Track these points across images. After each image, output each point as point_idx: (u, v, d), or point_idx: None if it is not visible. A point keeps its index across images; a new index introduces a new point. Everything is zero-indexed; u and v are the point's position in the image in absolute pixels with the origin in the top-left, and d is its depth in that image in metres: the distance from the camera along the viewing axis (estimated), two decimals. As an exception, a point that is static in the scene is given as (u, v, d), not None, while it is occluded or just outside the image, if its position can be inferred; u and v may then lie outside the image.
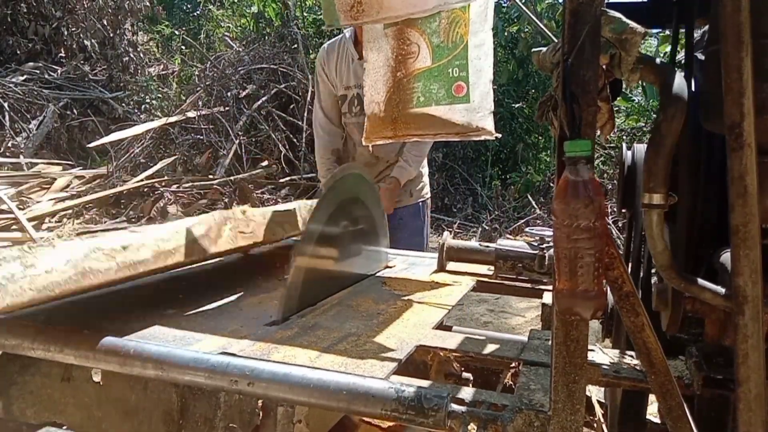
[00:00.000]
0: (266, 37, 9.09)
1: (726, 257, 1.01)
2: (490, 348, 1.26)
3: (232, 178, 7.00)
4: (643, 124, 7.91)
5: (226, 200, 6.64)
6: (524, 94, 8.73)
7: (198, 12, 12.37)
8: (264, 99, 7.92)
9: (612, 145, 7.71)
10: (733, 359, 0.88)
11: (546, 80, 7.84)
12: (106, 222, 6.02)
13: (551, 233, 1.81)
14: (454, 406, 0.95)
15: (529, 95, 8.69)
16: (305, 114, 7.70)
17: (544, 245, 1.82)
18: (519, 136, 8.71)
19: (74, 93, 8.92)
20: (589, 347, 1.08)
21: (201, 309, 1.41)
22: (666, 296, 1.16)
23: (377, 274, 1.88)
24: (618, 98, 1.04)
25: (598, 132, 0.94)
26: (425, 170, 2.88)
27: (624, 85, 1.03)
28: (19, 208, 5.66)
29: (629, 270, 1.43)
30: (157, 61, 10.90)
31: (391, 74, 2.00)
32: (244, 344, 1.18)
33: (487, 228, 6.99)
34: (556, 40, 0.97)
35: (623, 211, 1.61)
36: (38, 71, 8.99)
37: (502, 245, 1.87)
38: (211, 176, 7.18)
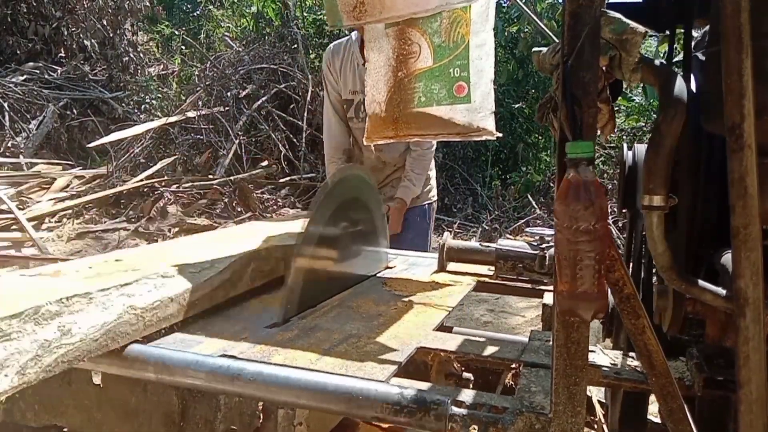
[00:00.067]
0: (266, 37, 9.08)
1: (727, 258, 1.01)
2: (491, 350, 1.25)
3: (232, 178, 7.00)
4: (644, 124, 7.90)
5: (226, 200, 6.64)
6: (524, 94, 8.72)
7: (198, 12, 12.36)
8: (264, 99, 7.91)
9: (612, 145, 7.71)
10: (734, 361, 0.88)
11: (546, 80, 7.83)
12: (106, 222, 6.02)
13: (551, 233, 1.81)
14: (455, 409, 0.95)
15: (529, 95, 8.68)
16: (305, 114, 7.69)
17: (545, 245, 1.82)
18: (519, 136, 8.71)
19: (74, 93, 8.91)
20: (590, 348, 1.08)
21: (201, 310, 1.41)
22: (667, 297, 1.16)
23: (378, 275, 1.88)
24: (618, 99, 1.04)
25: (599, 133, 0.94)
26: (432, 173, 2.88)
27: (624, 86, 1.02)
28: (19, 208, 5.65)
29: (630, 271, 1.43)
30: (157, 61, 10.89)
31: (393, 74, 2.00)
32: (245, 346, 1.18)
33: (487, 228, 6.98)
34: (556, 40, 0.96)
35: (624, 211, 1.60)
36: (38, 71, 8.98)
37: (502, 245, 1.87)
38: (211, 176, 7.17)
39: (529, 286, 1.85)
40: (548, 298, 1.68)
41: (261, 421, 1.16)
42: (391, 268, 1.99)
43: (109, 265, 1.39)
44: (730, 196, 0.85)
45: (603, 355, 1.26)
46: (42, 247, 5.07)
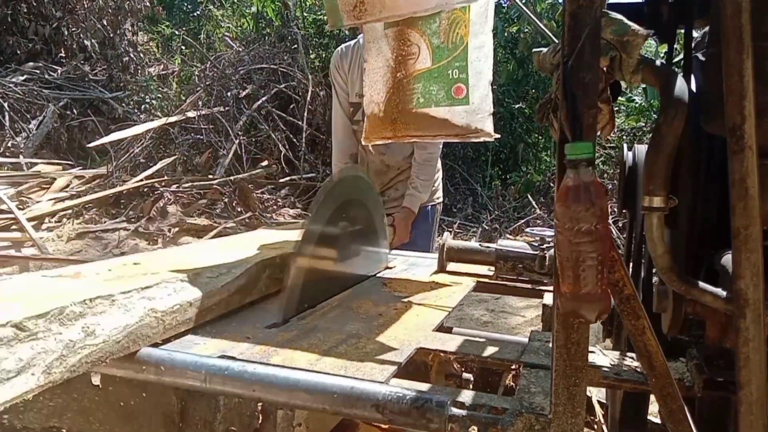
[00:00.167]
0: (266, 37, 9.08)
1: (727, 260, 1.01)
2: (491, 350, 1.25)
3: (232, 178, 7.00)
4: (644, 124, 7.91)
5: (226, 200, 6.64)
6: (524, 94, 8.73)
7: (198, 12, 12.36)
8: (264, 99, 7.91)
9: (612, 145, 7.71)
10: (734, 362, 0.87)
11: (546, 80, 7.83)
12: (106, 222, 6.01)
13: (551, 233, 1.81)
14: (455, 410, 0.94)
15: (529, 95, 8.68)
16: (305, 114, 7.69)
17: (545, 245, 1.82)
18: (519, 136, 8.71)
19: (74, 93, 8.91)
20: (590, 349, 1.08)
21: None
22: (667, 298, 1.16)
23: (377, 275, 1.88)
24: (618, 99, 1.03)
25: (599, 133, 0.94)
26: (439, 174, 2.88)
27: (624, 86, 1.02)
28: (19, 208, 5.65)
29: (630, 271, 1.43)
30: (157, 61, 10.89)
31: (391, 75, 2.00)
32: (244, 347, 1.18)
33: (487, 228, 6.98)
34: (556, 41, 0.96)
35: (624, 211, 1.60)
36: (38, 71, 8.98)
37: (502, 245, 1.87)
38: (211, 176, 7.17)
39: (529, 286, 1.85)
40: (548, 299, 1.68)
41: (260, 421, 1.16)
42: (390, 268, 1.99)
43: (128, 268, 1.41)
44: (731, 197, 0.85)
45: (603, 356, 1.26)
46: (42, 247, 5.07)
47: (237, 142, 7.57)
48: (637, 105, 8.14)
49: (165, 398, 1.13)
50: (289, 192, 7.48)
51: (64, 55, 9.57)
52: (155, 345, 1.14)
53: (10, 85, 8.34)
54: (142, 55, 10.36)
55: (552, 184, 7.32)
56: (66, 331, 0.99)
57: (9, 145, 7.69)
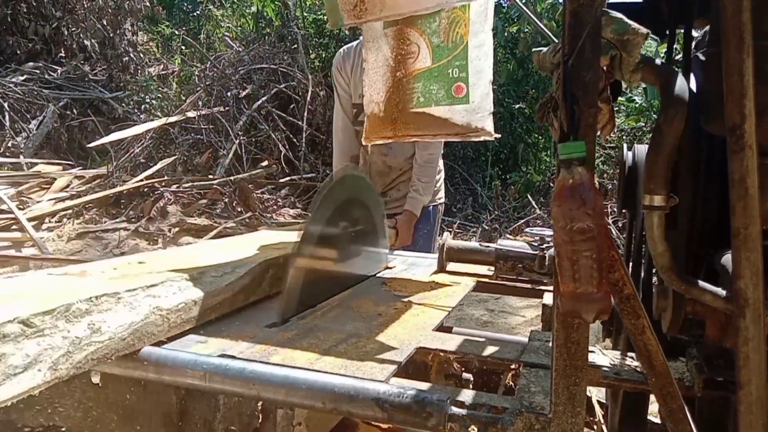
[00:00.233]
0: (266, 37, 9.09)
1: (727, 259, 1.01)
2: (491, 350, 1.25)
3: (232, 178, 7.00)
4: (644, 124, 7.91)
5: (226, 200, 6.63)
6: (524, 94, 8.73)
7: (198, 12, 12.36)
8: (264, 99, 7.91)
9: (612, 145, 7.71)
10: (733, 361, 0.87)
11: (546, 80, 7.84)
12: (106, 222, 6.01)
13: (551, 233, 1.80)
14: (455, 409, 0.94)
15: (529, 95, 8.68)
16: (305, 114, 7.69)
17: (544, 245, 1.82)
18: (519, 136, 8.71)
19: (74, 93, 8.91)
20: (590, 349, 1.08)
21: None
22: (667, 298, 1.16)
23: (377, 275, 1.88)
24: (618, 99, 1.03)
25: (599, 132, 0.94)
26: (440, 175, 2.88)
27: (624, 86, 1.02)
28: (19, 208, 5.65)
29: (629, 271, 1.43)
30: (157, 61, 10.89)
31: (391, 74, 2.00)
32: (244, 346, 1.18)
33: (487, 228, 6.98)
34: (556, 40, 0.96)
35: (624, 211, 1.60)
36: (38, 71, 8.97)
37: (502, 245, 1.87)
38: (211, 176, 7.17)
39: (528, 286, 1.85)
40: (548, 299, 1.68)
41: (260, 421, 1.16)
42: (390, 268, 1.99)
43: (132, 266, 1.42)
44: (731, 197, 0.85)
45: (603, 356, 1.26)
46: (42, 247, 5.07)
47: (237, 142, 7.58)
48: (637, 105, 8.14)
49: (165, 397, 1.13)
50: (289, 192, 7.48)
51: (64, 55, 9.57)
52: (155, 344, 1.14)
53: (10, 85, 8.34)
54: (142, 55, 10.37)
55: (552, 185, 7.32)
56: (72, 328, 1.00)
57: (9, 145, 7.69)
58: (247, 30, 10.13)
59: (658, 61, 0.98)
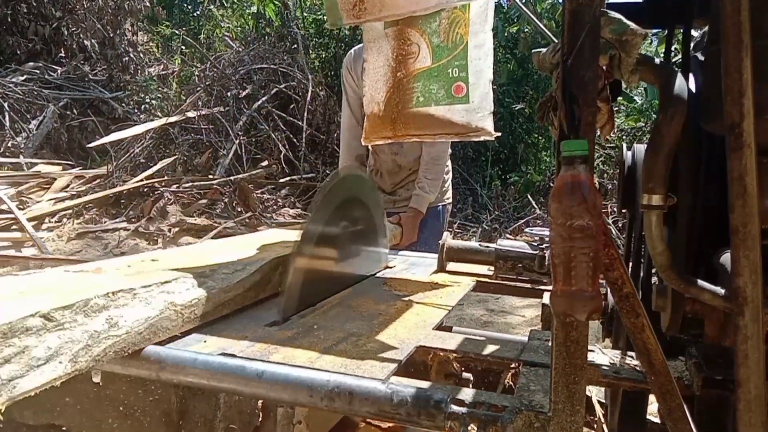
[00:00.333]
0: (266, 37, 9.09)
1: (726, 258, 1.01)
2: (490, 349, 1.25)
3: (232, 178, 7.00)
4: (643, 124, 7.91)
5: (226, 200, 6.64)
6: (524, 94, 8.74)
7: (198, 12, 12.37)
8: (264, 99, 7.92)
9: (612, 145, 7.72)
10: (733, 360, 0.88)
11: (546, 80, 7.84)
12: (106, 222, 6.01)
13: (551, 233, 1.80)
14: (454, 407, 0.95)
15: (529, 95, 8.69)
16: (305, 114, 7.70)
17: (544, 245, 1.82)
18: (519, 136, 8.72)
19: (74, 93, 8.91)
20: (589, 348, 1.08)
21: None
22: (666, 297, 1.16)
23: (377, 275, 1.88)
24: (618, 98, 1.04)
25: (598, 132, 0.94)
26: (449, 176, 2.88)
27: (624, 86, 1.03)
28: (19, 208, 5.65)
29: (629, 270, 1.43)
30: (157, 61, 10.89)
31: (391, 74, 2.00)
32: (244, 345, 1.18)
33: (487, 228, 6.99)
34: (556, 41, 0.97)
35: (623, 211, 1.61)
36: (38, 71, 8.98)
37: (502, 245, 1.87)
38: (211, 176, 7.17)
39: (528, 286, 1.85)
40: (547, 298, 1.68)
41: (260, 419, 1.16)
42: (390, 267, 1.99)
43: (146, 264, 1.46)
44: (730, 195, 0.85)
45: (602, 355, 1.26)
46: (42, 247, 5.07)
47: (237, 142, 7.58)
48: (637, 105, 8.14)
49: (165, 396, 1.13)
50: (289, 192, 7.48)
51: (64, 55, 9.57)
52: (156, 343, 1.14)
53: (10, 85, 8.34)
54: (142, 55, 10.37)
55: (552, 185, 7.32)
56: (91, 322, 1.02)
57: (9, 145, 7.69)
58: (247, 30, 10.14)
59: (657, 61, 0.99)
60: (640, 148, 1.38)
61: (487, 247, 1.92)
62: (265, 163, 7.75)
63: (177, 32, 11.22)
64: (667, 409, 0.94)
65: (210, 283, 1.33)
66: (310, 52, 8.96)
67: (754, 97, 0.83)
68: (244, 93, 8.00)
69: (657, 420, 1.58)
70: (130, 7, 9.72)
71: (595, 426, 1.90)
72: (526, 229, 2.06)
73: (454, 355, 1.26)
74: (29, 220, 5.47)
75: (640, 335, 0.92)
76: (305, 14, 9.48)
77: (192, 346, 1.16)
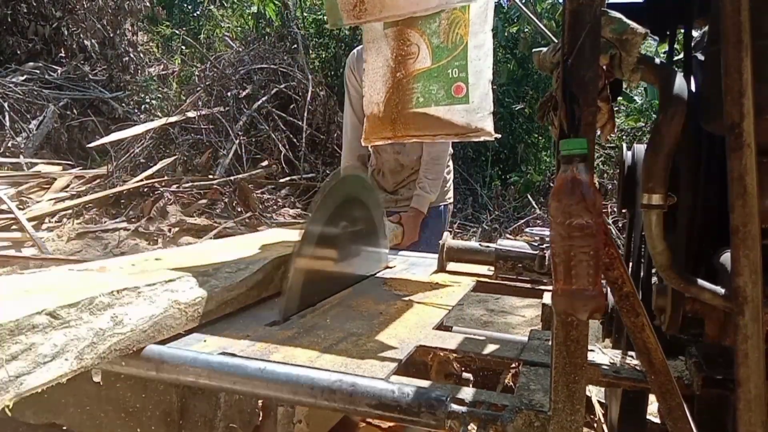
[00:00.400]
0: (266, 37, 9.09)
1: (726, 257, 1.01)
2: (490, 348, 1.25)
3: (232, 178, 7.00)
4: (643, 124, 7.91)
5: (226, 200, 6.64)
6: (524, 94, 8.74)
7: (198, 12, 12.37)
8: (264, 99, 7.92)
9: (612, 145, 7.72)
10: (732, 359, 0.88)
11: (546, 80, 7.85)
12: (106, 222, 6.02)
13: (551, 233, 1.80)
14: (454, 406, 0.95)
15: (529, 95, 8.70)
16: (305, 114, 7.70)
17: (544, 245, 1.82)
18: (519, 136, 8.73)
19: (74, 93, 8.91)
20: (589, 347, 1.08)
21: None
22: (666, 296, 1.16)
23: (377, 275, 1.88)
24: (618, 98, 1.04)
25: (598, 132, 0.94)
26: (450, 176, 2.89)
27: (624, 86, 1.03)
28: (19, 208, 5.65)
29: (629, 270, 1.44)
30: (157, 61, 10.89)
31: (391, 75, 2.00)
32: (244, 344, 1.18)
33: (487, 228, 6.99)
34: (556, 41, 0.97)
35: (623, 211, 1.61)
36: (38, 71, 8.98)
37: (502, 245, 1.87)
38: (211, 176, 7.17)
39: (528, 286, 1.85)
40: (548, 298, 1.68)
41: (261, 418, 1.16)
42: (390, 267, 1.99)
43: (150, 263, 1.46)
44: (730, 195, 0.85)
45: (602, 354, 1.26)
46: (42, 247, 5.07)
47: (237, 142, 7.58)
48: (637, 105, 8.15)
49: (165, 395, 1.13)
50: (289, 192, 7.48)
51: (64, 55, 9.57)
52: (157, 342, 1.15)
53: (10, 85, 8.34)
54: (142, 55, 10.37)
55: (552, 184, 7.33)
56: (96, 320, 1.03)
57: (9, 145, 7.69)
58: (247, 30, 10.14)
59: (657, 61, 0.99)
60: (640, 148, 1.38)
61: (487, 247, 1.92)
62: (265, 163, 7.75)
63: (177, 32, 11.22)
64: (667, 408, 0.95)
65: (213, 282, 1.34)
66: (310, 52, 8.96)
67: (754, 97, 0.83)
68: (244, 93, 8.00)
69: (657, 420, 1.58)
70: (130, 7, 9.72)
71: (595, 426, 1.90)
72: (526, 229, 2.06)
73: (454, 354, 1.26)
74: (29, 220, 5.48)
75: (640, 334, 0.92)
76: (305, 14, 9.49)
77: (192, 345, 1.17)
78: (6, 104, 8.00)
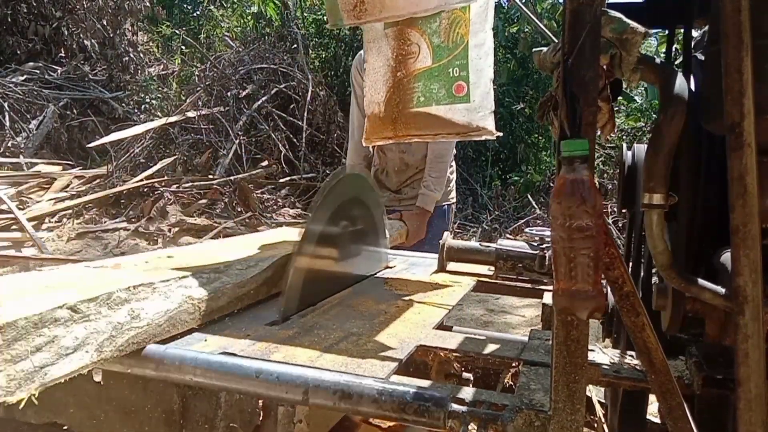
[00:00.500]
0: (266, 37, 9.09)
1: (726, 257, 1.01)
2: (491, 348, 1.26)
3: (232, 178, 7.00)
4: (644, 124, 7.91)
5: (226, 200, 6.64)
6: (524, 94, 8.74)
7: (198, 12, 12.37)
8: (264, 99, 7.92)
9: (612, 145, 7.72)
10: (733, 359, 0.88)
11: (546, 80, 7.85)
12: (106, 222, 6.01)
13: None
14: (455, 406, 0.95)
15: (529, 95, 8.70)
16: (305, 114, 7.70)
17: (544, 245, 1.82)
18: (519, 136, 8.73)
19: (74, 93, 8.91)
20: (589, 347, 1.08)
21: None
22: (666, 296, 1.16)
23: (378, 275, 1.88)
24: (619, 98, 1.04)
25: (599, 132, 0.94)
26: (453, 176, 2.90)
27: (624, 85, 1.03)
28: (19, 208, 5.65)
29: (629, 270, 1.43)
30: (157, 61, 10.89)
31: (392, 74, 2.00)
32: (245, 344, 1.18)
33: (487, 228, 6.99)
34: (556, 40, 0.97)
35: (623, 211, 1.61)
36: (38, 71, 8.98)
37: (502, 245, 1.87)
38: (211, 176, 7.17)
39: (529, 286, 1.85)
40: (548, 298, 1.68)
41: (261, 418, 1.16)
42: (391, 267, 1.99)
43: (162, 260, 1.50)
44: (730, 195, 0.85)
45: (602, 354, 1.26)
46: (42, 247, 5.07)
47: (237, 142, 7.58)
48: (637, 105, 8.14)
49: (166, 395, 1.13)
50: (289, 192, 7.49)
51: (64, 55, 9.57)
52: (158, 342, 1.15)
53: (10, 85, 8.34)
54: (142, 55, 10.37)
55: (552, 184, 7.33)
56: (114, 315, 1.07)
57: (9, 145, 7.69)
58: (247, 30, 10.14)
59: (657, 61, 0.99)
60: (641, 148, 1.38)
61: (488, 247, 1.92)
62: (265, 163, 7.75)
63: (177, 32, 11.22)
64: (668, 408, 0.95)
65: (225, 278, 1.37)
66: (310, 52, 8.96)
67: (754, 96, 0.83)
68: (244, 93, 8.00)
69: (657, 419, 1.58)
70: (130, 7, 9.72)
71: (596, 426, 1.90)
72: (526, 229, 2.06)
73: (455, 354, 1.26)
74: (29, 220, 5.48)
75: (641, 334, 0.92)
76: (305, 14, 9.49)
77: (193, 345, 1.17)
78: (6, 104, 8.00)
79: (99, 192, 6.40)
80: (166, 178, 6.94)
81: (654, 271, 1.26)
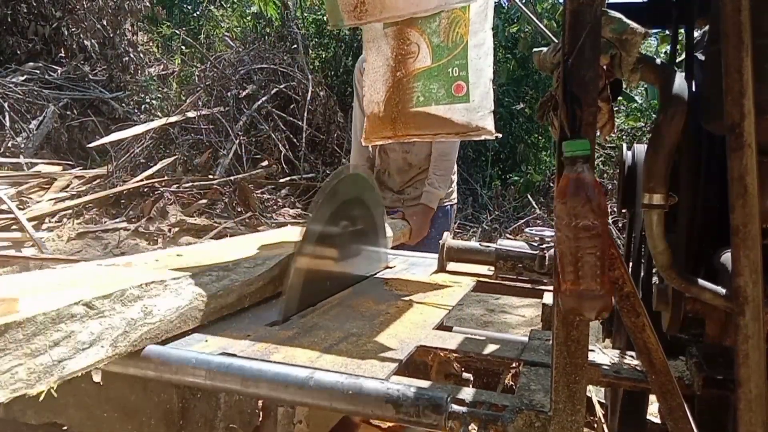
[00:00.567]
0: (266, 37, 9.09)
1: (726, 257, 1.01)
2: (491, 348, 1.25)
3: (232, 178, 7.00)
4: (643, 124, 7.91)
5: (226, 200, 6.64)
6: (524, 94, 8.74)
7: (198, 12, 12.37)
8: (264, 99, 7.92)
9: (612, 145, 7.72)
10: (733, 359, 0.88)
11: (546, 80, 7.84)
12: (106, 222, 6.01)
13: (551, 233, 1.81)
14: (455, 407, 0.94)
15: (529, 95, 8.69)
16: (305, 114, 7.70)
17: (544, 245, 1.82)
18: (519, 136, 8.72)
19: (74, 93, 8.91)
20: (590, 347, 1.08)
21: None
22: (666, 296, 1.16)
23: (378, 275, 1.88)
24: (619, 98, 1.04)
25: (598, 132, 0.94)
26: (455, 176, 2.90)
27: (624, 85, 1.03)
28: (19, 208, 5.65)
29: (629, 270, 1.43)
30: (157, 61, 10.89)
31: (391, 74, 2.00)
32: (245, 345, 1.18)
33: (487, 228, 6.99)
34: (556, 41, 0.97)
35: (623, 211, 1.61)
36: (38, 71, 8.97)
37: (502, 245, 1.87)
38: (211, 176, 7.17)
39: (528, 286, 1.85)
40: (548, 298, 1.68)
41: (261, 419, 1.16)
42: (391, 267, 1.99)
43: (172, 259, 1.54)
44: (730, 195, 0.85)
45: (602, 354, 1.26)
46: (42, 247, 5.07)
47: (237, 142, 7.58)
48: (637, 105, 8.14)
49: (166, 396, 1.13)
50: (289, 192, 7.48)
51: (64, 55, 9.57)
52: (157, 343, 1.14)
53: (10, 85, 8.34)
54: (142, 55, 10.36)
55: (552, 184, 7.33)
56: (127, 311, 1.10)
57: (9, 145, 7.69)
58: (247, 30, 10.14)
59: (657, 61, 0.99)
60: (640, 148, 1.38)
61: (488, 247, 1.92)
62: (265, 163, 7.75)
63: (177, 32, 11.21)
64: (668, 408, 0.94)
65: (233, 276, 1.40)
66: (310, 52, 8.96)
67: (754, 97, 0.83)
68: (244, 93, 8.00)
69: (657, 420, 1.58)
70: (130, 7, 9.71)
71: (596, 426, 1.90)
72: (526, 229, 2.06)
73: (455, 354, 1.26)
74: (29, 220, 5.47)
75: (641, 334, 0.92)
76: (305, 14, 9.48)
77: (193, 345, 1.17)
78: (6, 104, 7.99)
79: (99, 192, 6.40)
80: (166, 178, 6.94)
81: (654, 271, 1.26)
